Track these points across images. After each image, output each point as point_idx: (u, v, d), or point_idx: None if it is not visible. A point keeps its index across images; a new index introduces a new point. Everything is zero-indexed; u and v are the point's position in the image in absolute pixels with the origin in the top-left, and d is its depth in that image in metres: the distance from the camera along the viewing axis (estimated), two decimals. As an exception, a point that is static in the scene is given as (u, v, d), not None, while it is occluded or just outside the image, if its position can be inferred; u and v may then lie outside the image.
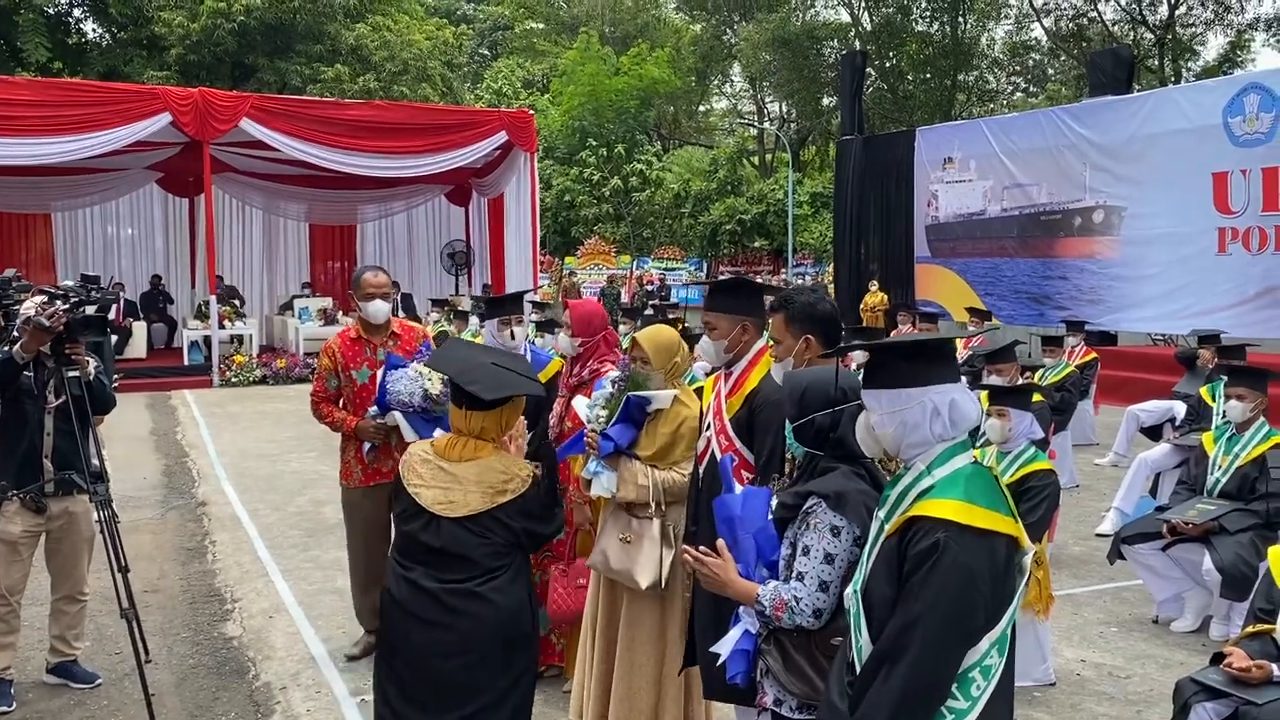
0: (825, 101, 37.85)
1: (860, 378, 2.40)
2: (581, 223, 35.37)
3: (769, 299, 3.40)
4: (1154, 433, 8.96)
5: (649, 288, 29.53)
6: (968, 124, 20.57)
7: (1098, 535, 7.50)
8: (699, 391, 3.79)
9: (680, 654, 3.60)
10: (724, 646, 2.71)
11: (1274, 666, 3.56)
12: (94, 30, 32.01)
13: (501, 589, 3.13)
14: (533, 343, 6.55)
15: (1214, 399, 7.28)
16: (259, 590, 6.33)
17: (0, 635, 4.60)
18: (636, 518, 3.73)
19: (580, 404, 4.12)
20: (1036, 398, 6.06)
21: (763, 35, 36.33)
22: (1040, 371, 9.47)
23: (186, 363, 16.97)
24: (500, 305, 5.14)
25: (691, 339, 5.30)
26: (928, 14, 36.18)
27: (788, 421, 2.75)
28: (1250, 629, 3.82)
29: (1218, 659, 3.70)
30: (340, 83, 29.02)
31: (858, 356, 5.90)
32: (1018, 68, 38.99)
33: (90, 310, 4.53)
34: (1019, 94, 39.38)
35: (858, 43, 35.88)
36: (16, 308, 4.58)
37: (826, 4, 39.22)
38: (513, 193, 18.96)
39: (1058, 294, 16.50)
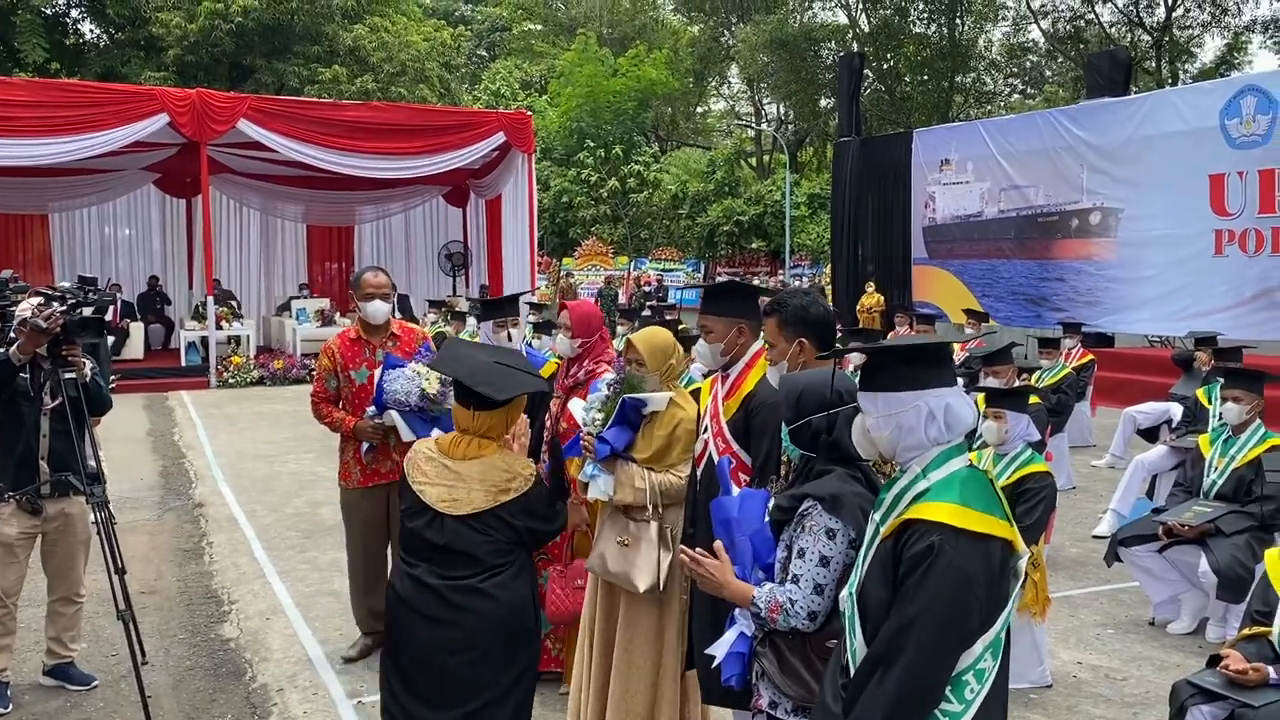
0: (823, 103, 37.88)
1: (856, 380, 2.40)
2: (579, 224, 35.36)
3: (764, 301, 3.40)
4: (1151, 435, 8.97)
5: (646, 289, 29.50)
6: (965, 126, 20.56)
7: (1094, 537, 7.50)
8: (696, 394, 3.80)
9: (678, 656, 3.60)
10: (719, 649, 2.71)
11: (1270, 669, 3.56)
12: (91, 31, 32.03)
13: (505, 585, 3.16)
14: (529, 344, 6.57)
15: (1211, 401, 7.30)
16: (256, 592, 6.33)
17: (-3, 637, 4.59)
18: (634, 520, 3.73)
19: (576, 407, 4.12)
20: (1033, 400, 6.06)
21: (760, 37, 36.34)
22: (1037, 373, 9.50)
23: (184, 364, 16.93)
24: (495, 308, 5.16)
25: (688, 340, 5.30)
26: (925, 16, 36.22)
27: (784, 424, 2.75)
28: (1246, 631, 3.83)
29: (1214, 661, 3.70)
30: (338, 84, 28.99)
31: (855, 359, 5.91)
32: (1015, 69, 39.03)
33: (87, 312, 4.53)
34: (1016, 96, 39.40)
35: (855, 44, 35.92)
36: (13, 309, 4.58)
37: (824, 6, 39.31)
38: (510, 194, 18.98)
39: (1055, 296, 16.49)
